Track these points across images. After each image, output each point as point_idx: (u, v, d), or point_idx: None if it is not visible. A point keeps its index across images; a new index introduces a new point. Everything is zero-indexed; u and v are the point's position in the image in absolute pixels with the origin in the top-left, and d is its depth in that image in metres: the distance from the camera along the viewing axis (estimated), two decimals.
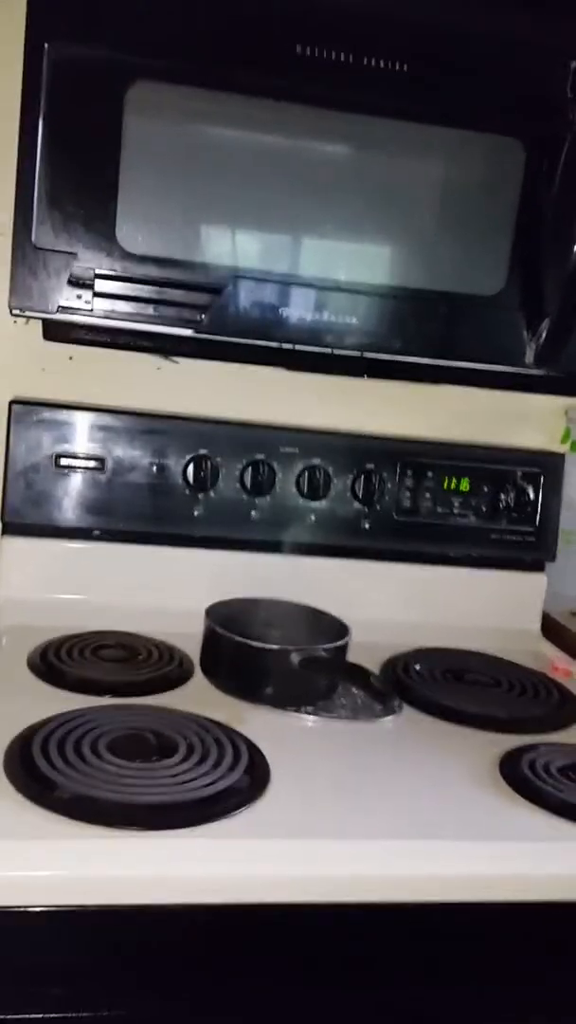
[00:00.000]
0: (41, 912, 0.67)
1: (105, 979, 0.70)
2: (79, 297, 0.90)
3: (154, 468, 1.13)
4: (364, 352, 0.97)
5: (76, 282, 0.90)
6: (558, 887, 0.75)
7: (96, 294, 0.91)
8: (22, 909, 0.66)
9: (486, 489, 1.22)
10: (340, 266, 0.96)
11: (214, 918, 0.70)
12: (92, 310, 0.91)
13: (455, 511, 1.21)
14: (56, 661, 0.99)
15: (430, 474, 1.20)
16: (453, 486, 1.21)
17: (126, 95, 0.88)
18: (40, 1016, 0.69)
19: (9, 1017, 0.68)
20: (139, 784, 0.76)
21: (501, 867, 0.74)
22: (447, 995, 0.76)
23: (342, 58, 0.89)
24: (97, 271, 0.90)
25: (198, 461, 1.13)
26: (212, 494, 1.14)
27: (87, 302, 0.91)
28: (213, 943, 0.71)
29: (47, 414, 1.10)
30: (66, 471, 1.11)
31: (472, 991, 0.77)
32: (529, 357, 0.99)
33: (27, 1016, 0.68)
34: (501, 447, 1.24)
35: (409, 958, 0.75)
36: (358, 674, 1.02)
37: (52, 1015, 0.69)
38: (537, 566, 1.26)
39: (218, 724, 0.87)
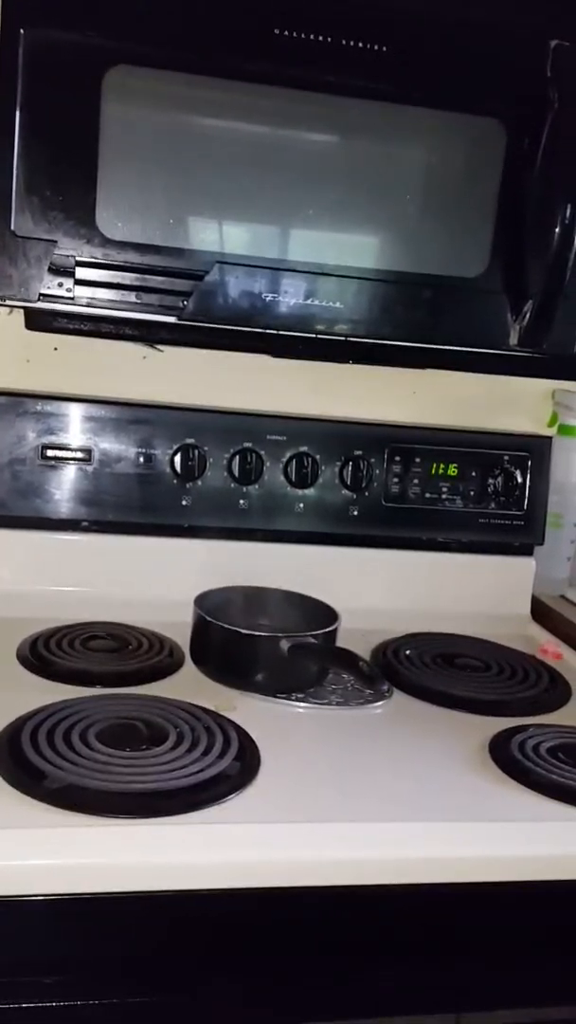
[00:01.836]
0: (31, 901, 0.67)
1: (97, 968, 0.71)
2: (60, 285, 0.90)
3: (141, 458, 1.12)
4: (349, 337, 0.97)
5: (57, 270, 0.89)
6: (548, 867, 0.75)
7: (77, 282, 0.90)
8: (12, 898, 0.66)
9: (474, 474, 1.22)
10: (322, 251, 0.95)
11: (205, 904, 0.70)
12: (74, 298, 0.90)
13: (443, 496, 1.21)
14: (46, 652, 0.98)
15: (418, 460, 1.20)
16: (441, 471, 1.21)
17: (104, 80, 0.87)
18: (32, 1005, 0.69)
19: (0, 1006, 0.68)
20: (129, 772, 0.76)
21: (492, 848, 0.75)
22: (438, 976, 0.77)
23: (321, 40, 0.88)
24: (78, 258, 0.90)
25: (185, 450, 1.13)
26: (200, 483, 1.14)
27: (68, 290, 0.90)
28: (204, 929, 0.71)
29: (32, 405, 1.10)
30: (53, 463, 1.10)
31: (463, 971, 0.77)
32: (513, 339, 0.98)
33: (19, 1005, 0.69)
34: (488, 431, 1.24)
35: (401, 940, 0.75)
36: (348, 660, 1.01)
37: (44, 1004, 0.69)
38: (526, 550, 1.26)
39: (208, 712, 0.87)
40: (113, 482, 1.12)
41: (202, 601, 1.01)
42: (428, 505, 1.21)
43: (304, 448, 1.16)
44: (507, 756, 0.86)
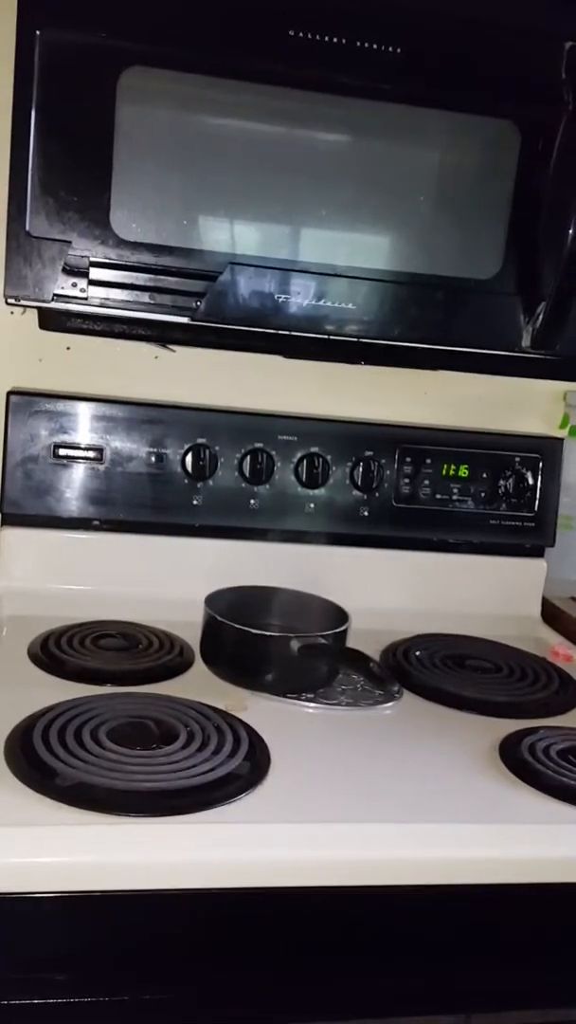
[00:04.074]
0: (42, 898, 0.67)
1: (107, 965, 0.71)
2: (74, 285, 0.90)
3: (152, 458, 1.13)
4: (361, 338, 0.97)
5: (71, 270, 0.90)
6: (558, 869, 0.75)
7: (91, 282, 0.90)
8: (23, 895, 0.67)
9: (485, 475, 1.22)
10: (335, 252, 0.95)
11: (214, 903, 0.70)
12: (87, 298, 0.91)
13: (454, 497, 1.21)
14: (57, 651, 0.99)
15: (429, 461, 1.20)
16: (452, 472, 1.21)
17: (119, 81, 0.87)
18: (43, 1002, 0.69)
19: (12, 1003, 0.68)
20: (140, 771, 0.76)
21: (501, 850, 0.75)
22: (448, 977, 0.77)
23: (334, 41, 0.88)
24: (92, 259, 0.90)
25: (196, 450, 1.13)
26: (211, 483, 1.14)
27: (82, 290, 0.90)
28: (213, 928, 0.72)
29: (45, 404, 1.10)
30: (65, 461, 1.11)
31: (472, 973, 0.77)
32: (526, 341, 0.98)
33: (30, 1002, 0.69)
34: (500, 433, 1.24)
35: (410, 940, 0.75)
36: (358, 661, 1.01)
37: (55, 1000, 0.69)
38: (536, 552, 1.26)
39: (218, 711, 0.88)
40: (125, 481, 1.12)
41: (212, 601, 1.01)
42: (439, 506, 1.21)
43: (315, 448, 1.16)
44: (517, 758, 0.86)
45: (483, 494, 1.22)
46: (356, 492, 1.18)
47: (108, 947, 0.71)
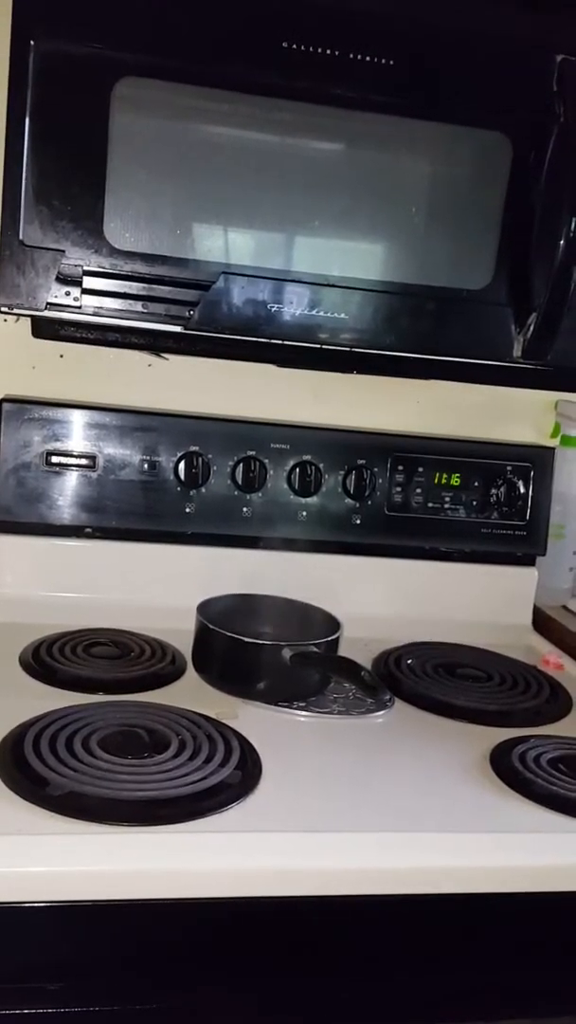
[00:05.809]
0: (33, 908, 0.67)
1: (99, 975, 0.71)
2: (68, 294, 0.90)
3: (145, 465, 1.13)
4: (353, 347, 0.97)
5: (64, 279, 0.90)
6: (548, 878, 0.75)
7: (85, 291, 0.91)
8: (14, 905, 0.67)
9: (477, 484, 1.22)
10: (328, 262, 0.96)
11: (206, 912, 0.70)
12: (81, 307, 0.91)
13: (446, 506, 1.21)
14: (48, 659, 0.99)
15: (421, 469, 1.20)
16: (444, 481, 1.21)
17: (113, 91, 0.88)
18: (34, 1012, 0.69)
19: (3, 1013, 0.68)
20: (131, 780, 0.76)
21: (492, 859, 0.75)
22: (438, 985, 0.77)
23: (328, 53, 0.89)
24: (85, 268, 0.90)
25: (189, 458, 1.13)
26: (203, 491, 1.14)
27: (76, 299, 0.91)
28: (205, 937, 0.72)
29: (38, 412, 1.10)
30: (57, 469, 1.11)
31: (463, 982, 0.77)
32: (517, 351, 0.99)
33: (21, 1012, 0.69)
34: (492, 442, 1.24)
35: (400, 950, 0.76)
36: (350, 669, 1.01)
37: (46, 1010, 0.69)
38: (528, 560, 1.26)
39: (210, 720, 0.88)
40: (117, 489, 1.12)
41: (204, 609, 1.01)
42: (431, 514, 1.21)
43: (307, 457, 1.16)
44: (508, 767, 0.86)
45: (475, 503, 1.22)
46: (348, 500, 1.18)
47: (99, 957, 0.70)
